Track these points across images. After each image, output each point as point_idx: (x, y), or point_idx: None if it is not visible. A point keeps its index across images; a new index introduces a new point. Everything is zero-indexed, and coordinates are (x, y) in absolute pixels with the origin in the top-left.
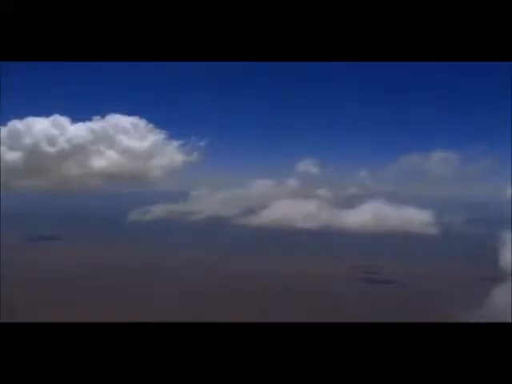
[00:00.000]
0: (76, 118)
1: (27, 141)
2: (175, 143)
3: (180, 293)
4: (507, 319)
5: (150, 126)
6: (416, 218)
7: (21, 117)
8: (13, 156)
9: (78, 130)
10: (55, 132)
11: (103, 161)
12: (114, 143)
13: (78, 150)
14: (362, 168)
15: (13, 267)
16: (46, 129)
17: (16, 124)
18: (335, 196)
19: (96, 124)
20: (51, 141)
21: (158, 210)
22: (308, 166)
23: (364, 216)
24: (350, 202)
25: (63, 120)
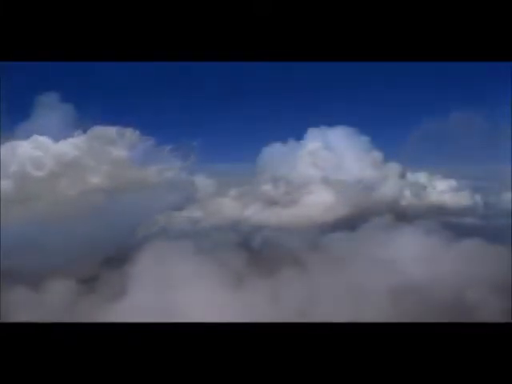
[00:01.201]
0: (57, 136)
1: (13, 168)
2: (167, 147)
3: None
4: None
5: (137, 133)
6: (447, 191)
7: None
8: (4, 186)
9: (63, 149)
10: (39, 154)
11: (97, 176)
12: (104, 156)
13: (69, 169)
14: (376, 144)
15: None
16: (30, 151)
17: None
18: (353, 179)
19: (80, 139)
20: (38, 164)
21: (166, 220)
22: (315, 148)
23: (391, 196)
24: (371, 183)
25: (44, 140)
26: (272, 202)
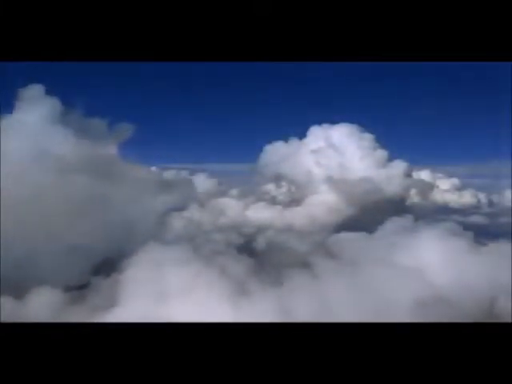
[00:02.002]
0: (34, 157)
1: None
2: (152, 156)
3: None
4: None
5: (130, 129)
6: (451, 190)
7: None
8: None
9: (44, 167)
10: (21, 176)
11: (85, 176)
12: (89, 171)
13: (54, 170)
14: (380, 142)
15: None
16: (10, 173)
17: None
18: (357, 178)
19: (65, 136)
20: (23, 185)
21: (163, 222)
22: (318, 147)
23: (398, 195)
24: (376, 182)
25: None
26: (274, 202)
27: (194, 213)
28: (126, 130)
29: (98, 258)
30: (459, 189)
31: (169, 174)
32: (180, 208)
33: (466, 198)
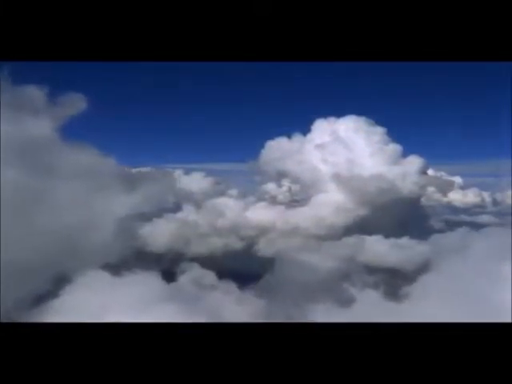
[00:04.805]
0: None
1: None
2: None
3: None
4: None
5: (84, 101)
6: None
7: None
8: None
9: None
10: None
11: (15, 186)
12: (17, 159)
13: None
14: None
15: None
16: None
17: None
18: (368, 175)
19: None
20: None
21: (127, 235)
22: (324, 142)
23: (413, 194)
24: (389, 180)
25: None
26: (276, 202)
27: (188, 215)
28: (76, 102)
29: (26, 286)
30: (462, 187)
31: (142, 169)
32: (152, 214)
33: (470, 196)
